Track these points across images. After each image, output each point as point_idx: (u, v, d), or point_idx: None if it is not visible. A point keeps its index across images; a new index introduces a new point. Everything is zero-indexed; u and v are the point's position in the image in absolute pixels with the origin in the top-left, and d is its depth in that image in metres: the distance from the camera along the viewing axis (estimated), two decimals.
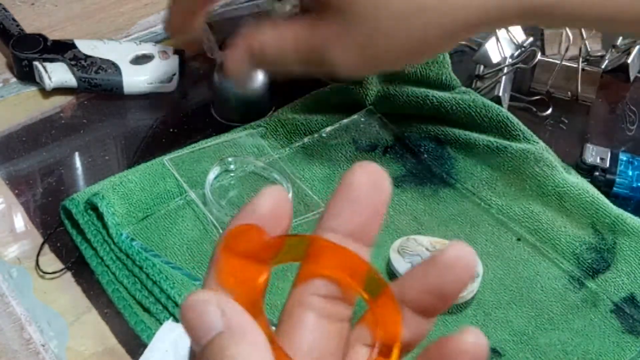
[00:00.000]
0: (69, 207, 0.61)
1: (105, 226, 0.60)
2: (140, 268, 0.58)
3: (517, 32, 0.81)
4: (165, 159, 0.65)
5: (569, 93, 0.78)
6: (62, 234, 0.63)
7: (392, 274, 0.59)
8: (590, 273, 0.61)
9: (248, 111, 0.73)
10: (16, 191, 0.67)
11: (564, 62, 0.78)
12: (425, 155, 0.69)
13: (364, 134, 0.70)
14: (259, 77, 0.72)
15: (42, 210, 0.65)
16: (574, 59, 0.78)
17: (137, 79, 0.75)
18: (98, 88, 0.74)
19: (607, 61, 0.80)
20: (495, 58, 0.79)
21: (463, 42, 0.84)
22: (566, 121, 0.76)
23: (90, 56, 0.74)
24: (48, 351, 0.55)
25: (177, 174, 0.64)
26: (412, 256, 0.59)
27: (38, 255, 0.62)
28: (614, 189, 0.67)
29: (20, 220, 0.65)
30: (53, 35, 0.76)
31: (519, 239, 0.63)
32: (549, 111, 0.77)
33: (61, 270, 0.61)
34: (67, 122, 0.74)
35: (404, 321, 0.30)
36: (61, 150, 0.71)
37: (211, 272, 0.29)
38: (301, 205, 0.64)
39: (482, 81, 0.77)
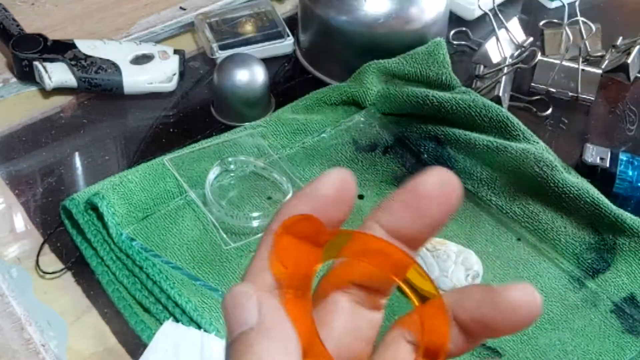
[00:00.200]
0: (69, 207, 0.61)
1: (105, 226, 0.60)
2: (140, 268, 0.58)
3: (517, 32, 0.81)
4: (165, 159, 0.65)
5: (569, 93, 0.78)
6: (62, 234, 0.63)
7: None
8: (590, 273, 0.61)
9: (248, 111, 0.73)
10: (16, 191, 0.67)
11: (564, 62, 0.78)
12: (425, 155, 0.69)
13: (364, 134, 0.70)
14: (259, 77, 0.72)
15: (42, 210, 0.65)
16: (574, 59, 0.78)
17: (137, 79, 0.75)
18: (98, 88, 0.74)
19: (607, 61, 0.80)
20: (495, 58, 0.79)
21: (463, 42, 0.84)
22: (566, 121, 0.76)
23: (90, 56, 0.74)
24: (48, 351, 0.55)
25: (177, 174, 0.64)
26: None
27: (38, 255, 0.62)
28: (614, 189, 0.67)
29: (20, 220, 0.65)
30: (53, 35, 0.76)
31: (519, 239, 0.63)
32: (549, 111, 0.77)
33: (61, 270, 0.61)
34: (67, 122, 0.74)
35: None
36: (61, 150, 0.71)
37: (261, 254, 0.28)
38: None
39: (482, 81, 0.77)
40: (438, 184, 0.29)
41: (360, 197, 0.66)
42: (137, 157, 0.70)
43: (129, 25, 0.82)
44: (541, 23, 0.86)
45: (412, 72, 0.72)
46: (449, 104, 0.70)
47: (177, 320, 0.56)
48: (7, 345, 0.55)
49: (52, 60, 0.74)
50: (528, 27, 0.85)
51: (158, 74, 0.75)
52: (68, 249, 0.62)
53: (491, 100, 0.72)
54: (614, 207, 0.63)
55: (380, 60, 0.73)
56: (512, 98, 0.77)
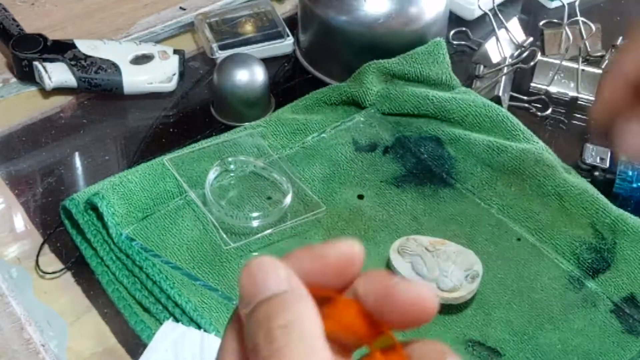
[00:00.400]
0: (69, 207, 0.61)
1: (105, 226, 0.60)
2: (140, 268, 0.58)
3: (517, 32, 0.81)
4: (165, 159, 0.65)
5: (569, 93, 0.78)
6: (62, 234, 0.63)
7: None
8: (590, 273, 0.61)
9: (248, 111, 0.73)
10: (16, 191, 0.67)
11: (564, 62, 0.78)
12: (425, 155, 0.69)
13: (364, 134, 0.70)
14: (259, 77, 0.72)
15: (42, 210, 0.65)
16: (574, 59, 0.78)
17: (137, 79, 0.75)
18: (98, 88, 0.74)
19: (607, 61, 0.80)
20: (495, 58, 0.79)
21: (463, 42, 0.84)
22: (566, 121, 0.76)
23: (90, 56, 0.74)
24: (48, 351, 0.55)
25: (177, 174, 0.64)
26: (412, 256, 0.59)
27: (38, 255, 0.62)
28: (614, 189, 0.67)
29: (20, 220, 0.65)
30: (53, 35, 0.76)
31: (519, 239, 0.63)
32: (549, 111, 0.77)
33: (61, 270, 0.61)
34: (67, 122, 0.74)
35: None
36: (61, 150, 0.71)
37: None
38: (301, 205, 0.64)
39: (482, 81, 0.77)
40: (412, 299, 0.29)
41: (360, 197, 0.66)
42: (137, 157, 0.70)
43: (129, 25, 0.82)
44: (541, 23, 0.86)
45: (412, 72, 0.72)
46: (449, 104, 0.70)
47: (177, 320, 0.56)
48: (7, 345, 0.55)
49: (52, 60, 0.74)
50: (528, 27, 0.85)
51: (158, 74, 0.75)
52: (68, 249, 0.62)
53: (491, 100, 0.72)
54: (614, 207, 0.63)
55: (380, 60, 0.73)
56: (512, 98, 0.77)
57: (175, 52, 0.77)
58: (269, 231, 0.62)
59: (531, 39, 0.80)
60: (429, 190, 0.66)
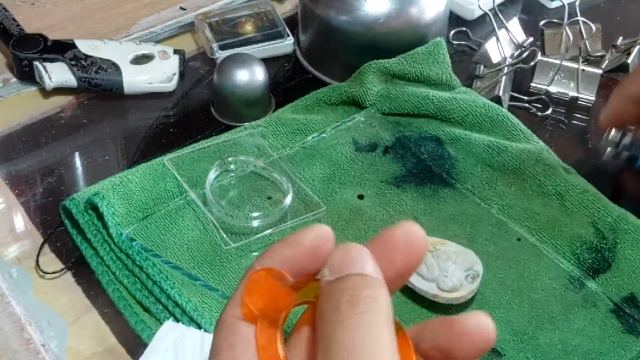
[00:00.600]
0: (69, 207, 0.61)
1: (105, 226, 0.60)
2: (140, 268, 0.58)
3: (517, 32, 0.81)
4: (165, 159, 0.65)
5: (569, 93, 0.78)
6: (62, 234, 0.63)
7: None
8: (591, 273, 0.61)
9: (248, 111, 0.73)
10: (16, 191, 0.67)
11: (564, 62, 0.78)
12: (425, 155, 0.69)
13: (364, 134, 0.70)
14: (259, 77, 0.72)
15: (42, 210, 0.65)
16: (574, 59, 0.78)
17: (137, 79, 0.75)
18: (98, 88, 0.74)
19: (607, 61, 0.80)
20: (495, 58, 0.79)
21: (463, 42, 0.84)
22: (566, 121, 0.76)
23: (90, 56, 0.74)
24: (48, 351, 0.55)
25: (177, 174, 0.64)
26: None
27: (38, 255, 0.62)
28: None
29: (20, 220, 0.65)
30: (53, 35, 0.76)
31: (519, 239, 0.63)
32: (549, 111, 0.77)
33: (61, 270, 0.61)
34: (67, 122, 0.74)
35: None
36: (61, 150, 0.71)
37: (239, 291, 0.31)
38: (301, 205, 0.64)
39: (482, 81, 0.77)
40: (404, 234, 0.31)
41: (360, 197, 0.66)
42: (137, 157, 0.70)
43: (129, 25, 0.82)
44: (541, 23, 0.86)
45: (412, 72, 0.72)
46: (449, 104, 0.70)
47: (177, 320, 0.56)
48: (7, 345, 0.55)
49: (52, 60, 0.74)
50: (528, 27, 0.85)
51: (158, 74, 0.75)
52: (68, 249, 0.62)
53: (491, 100, 0.72)
54: (615, 207, 0.63)
55: (380, 60, 0.73)
56: (512, 98, 0.77)
57: (176, 52, 0.77)
58: (269, 231, 0.62)
59: (531, 39, 0.80)
60: (429, 190, 0.66)
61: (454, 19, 0.85)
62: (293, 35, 0.81)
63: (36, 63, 0.74)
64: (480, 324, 0.30)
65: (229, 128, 0.71)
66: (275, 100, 0.76)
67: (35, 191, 0.67)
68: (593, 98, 0.78)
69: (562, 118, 0.77)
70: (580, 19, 0.80)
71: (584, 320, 0.58)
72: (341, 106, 0.72)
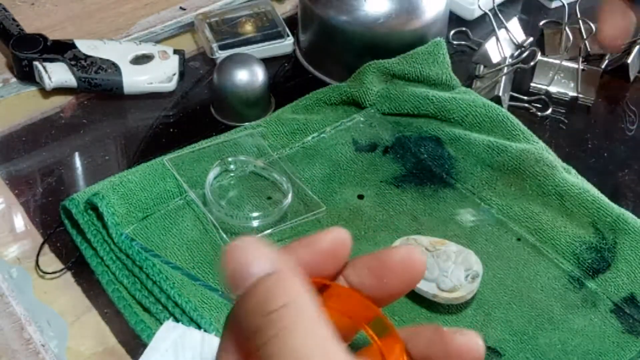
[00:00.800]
0: (69, 207, 0.61)
1: (105, 226, 0.60)
2: (140, 268, 0.58)
3: (517, 32, 0.81)
4: (165, 159, 0.65)
5: (569, 93, 0.78)
6: (62, 234, 0.63)
7: None
8: (590, 273, 0.61)
9: (248, 111, 0.73)
10: (16, 191, 0.67)
11: (564, 62, 0.78)
12: (425, 155, 0.69)
13: (364, 134, 0.70)
14: (259, 77, 0.72)
15: (42, 210, 0.66)
16: (574, 59, 0.78)
17: (137, 79, 0.75)
18: (98, 88, 0.74)
19: (607, 61, 0.80)
20: (495, 58, 0.79)
21: (463, 42, 0.84)
22: (566, 121, 0.76)
23: (90, 56, 0.74)
24: (48, 351, 0.55)
25: (177, 174, 0.64)
26: None
27: (38, 255, 0.62)
28: None
29: (20, 220, 0.65)
30: (53, 35, 0.76)
31: (519, 239, 0.63)
32: (549, 111, 0.77)
33: (61, 270, 0.61)
34: (67, 122, 0.74)
35: None
36: (61, 150, 0.71)
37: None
38: (301, 205, 0.64)
39: (482, 81, 0.77)
40: (402, 259, 0.31)
41: (360, 197, 0.66)
42: (137, 157, 0.70)
43: (129, 25, 0.82)
44: (541, 23, 0.86)
45: (412, 72, 0.72)
46: (449, 104, 0.70)
47: (177, 320, 0.56)
48: (7, 345, 0.55)
49: (52, 60, 0.74)
50: (528, 27, 0.85)
51: (158, 74, 0.75)
52: (68, 249, 0.62)
53: (491, 100, 0.72)
54: (614, 207, 0.63)
55: (380, 60, 0.73)
56: (512, 98, 0.77)
57: (175, 52, 0.77)
58: (269, 231, 0.62)
59: (531, 39, 0.80)
60: (429, 190, 0.66)
61: (454, 19, 0.85)
62: (293, 35, 0.81)
63: (36, 63, 0.74)
64: (471, 342, 0.30)
65: (228, 128, 0.72)
66: (275, 100, 0.76)
67: (35, 191, 0.67)
68: (593, 98, 0.78)
69: (562, 118, 0.77)
70: (580, 19, 0.80)
71: (583, 320, 0.58)
72: (341, 106, 0.72)
